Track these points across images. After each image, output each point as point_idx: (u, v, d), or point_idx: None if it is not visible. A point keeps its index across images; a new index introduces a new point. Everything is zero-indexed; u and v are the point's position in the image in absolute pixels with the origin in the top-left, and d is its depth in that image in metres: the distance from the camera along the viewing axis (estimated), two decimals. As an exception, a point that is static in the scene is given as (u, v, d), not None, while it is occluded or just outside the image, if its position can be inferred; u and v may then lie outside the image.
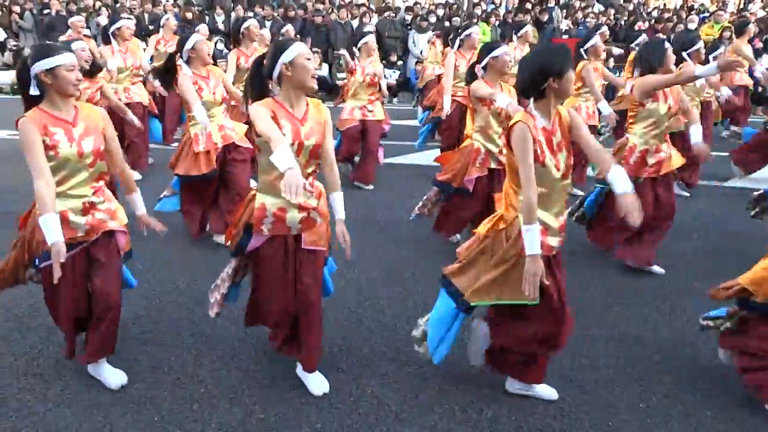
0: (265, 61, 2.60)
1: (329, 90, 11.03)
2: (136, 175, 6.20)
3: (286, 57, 2.53)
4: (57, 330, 3.31)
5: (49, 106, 2.58)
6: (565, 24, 13.04)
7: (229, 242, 2.85)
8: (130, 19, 6.68)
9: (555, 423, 2.66)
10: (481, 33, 8.43)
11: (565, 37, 12.35)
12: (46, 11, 12.30)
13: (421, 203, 4.55)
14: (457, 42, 6.06)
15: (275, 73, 2.57)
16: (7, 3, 12.84)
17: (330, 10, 13.41)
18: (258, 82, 2.63)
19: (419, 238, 4.80)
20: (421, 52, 11.67)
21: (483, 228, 2.66)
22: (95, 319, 2.75)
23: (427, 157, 7.32)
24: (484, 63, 4.04)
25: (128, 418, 2.63)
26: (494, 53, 4.01)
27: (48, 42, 2.71)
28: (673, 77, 3.80)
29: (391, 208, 5.57)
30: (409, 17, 12.93)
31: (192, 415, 2.66)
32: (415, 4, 14.32)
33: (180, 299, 3.73)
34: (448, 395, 2.83)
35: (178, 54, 4.30)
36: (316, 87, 2.65)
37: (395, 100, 11.94)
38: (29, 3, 13.04)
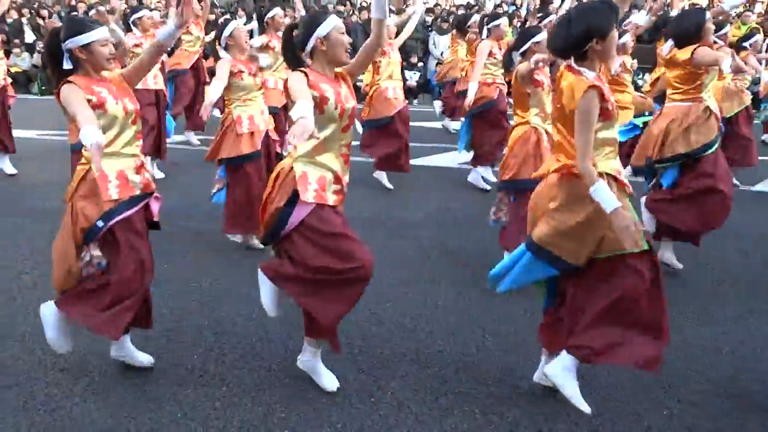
0: (296, 31, 2.57)
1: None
2: (158, 173, 6.27)
3: (321, 30, 2.51)
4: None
5: (84, 75, 2.64)
6: (587, 25, 12.91)
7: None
8: (152, 10, 6.76)
9: (577, 428, 2.63)
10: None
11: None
12: (73, 13, 12.55)
13: (494, 207, 4.22)
14: (485, 31, 5.94)
15: (308, 47, 2.55)
16: (35, 6, 13.14)
17: (351, 12, 13.47)
18: (291, 52, 2.63)
19: (440, 240, 4.79)
20: (441, 54, 11.65)
21: (551, 175, 2.56)
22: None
23: (447, 159, 7.31)
24: (524, 49, 3.94)
25: (152, 414, 2.67)
26: (536, 39, 3.90)
27: (79, 16, 2.76)
28: (716, 57, 3.79)
29: (411, 210, 5.56)
30: (429, 18, 12.92)
31: (214, 412, 2.69)
32: (436, 5, 14.30)
33: (202, 298, 3.77)
34: (468, 398, 2.82)
35: (217, 42, 4.36)
36: (348, 61, 2.62)
37: (416, 101, 11.93)
38: (57, 6, 13.33)
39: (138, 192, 2.72)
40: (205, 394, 2.82)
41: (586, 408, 2.57)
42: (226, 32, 4.33)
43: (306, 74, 2.51)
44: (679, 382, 2.96)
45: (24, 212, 5.28)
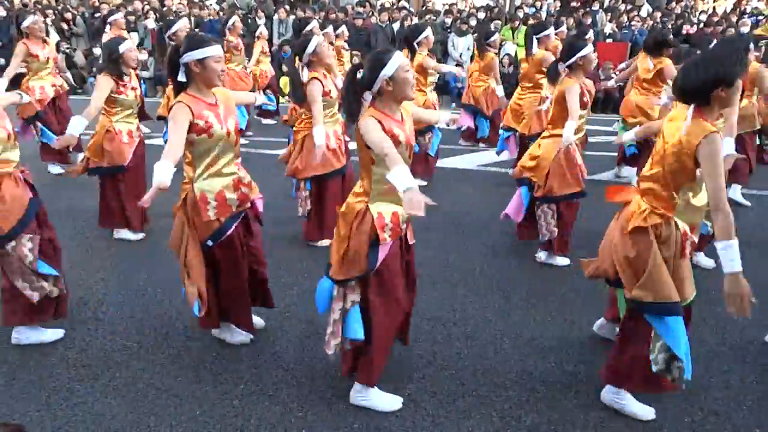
0: (360, 72, 2.53)
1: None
2: None
3: (387, 71, 2.43)
4: (105, 322, 3.44)
5: (196, 91, 2.81)
6: (609, 27, 12.79)
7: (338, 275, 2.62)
8: (183, 20, 6.81)
9: (595, 434, 2.61)
10: (522, 37, 8.25)
11: (609, 41, 12.11)
12: (96, 15, 12.74)
13: (543, 223, 4.20)
14: (535, 42, 5.78)
15: (375, 87, 2.49)
16: (60, 8, 13.36)
17: (370, 13, 13.49)
18: (352, 94, 2.55)
19: (456, 242, 4.78)
20: (460, 55, 11.64)
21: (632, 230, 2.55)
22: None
23: (466, 161, 7.28)
24: (570, 62, 3.80)
25: (171, 410, 2.70)
26: (582, 52, 3.78)
27: (201, 34, 2.94)
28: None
29: (429, 212, 5.53)
30: (448, 20, 12.90)
31: (233, 410, 2.72)
32: (452, 5, 14.28)
33: (221, 297, 3.80)
34: (486, 401, 2.81)
35: (297, 58, 4.21)
36: (414, 97, 2.61)
37: (434, 103, 11.92)
38: (81, 8, 13.53)
39: (234, 209, 2.96)
40: (223, 392, 2.84)
41: (650, 413, 2.72)
42: (310, 48, 4.11)
43: (379, 121, 2.46)
44: (701, 391, 2.91)
45: (50, 211, 5.35)
